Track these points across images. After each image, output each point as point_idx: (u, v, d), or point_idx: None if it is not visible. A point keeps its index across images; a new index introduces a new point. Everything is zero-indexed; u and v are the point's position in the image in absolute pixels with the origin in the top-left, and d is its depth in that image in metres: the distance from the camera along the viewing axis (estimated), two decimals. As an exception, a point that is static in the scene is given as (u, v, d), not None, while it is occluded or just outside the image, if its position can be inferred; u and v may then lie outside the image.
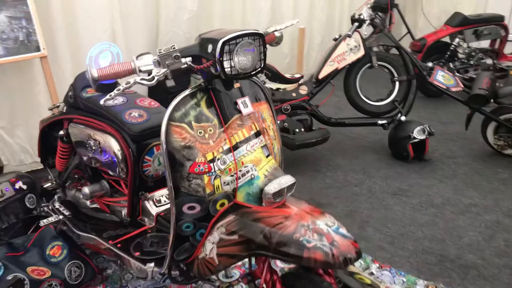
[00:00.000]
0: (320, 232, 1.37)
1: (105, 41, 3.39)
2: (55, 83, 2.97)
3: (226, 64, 1.41)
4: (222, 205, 1.53)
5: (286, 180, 1.49)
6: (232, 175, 1.51)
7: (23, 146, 3.18)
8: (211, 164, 1.49)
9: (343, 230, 1.40)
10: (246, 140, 1.52)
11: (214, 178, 1.50)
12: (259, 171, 1.51)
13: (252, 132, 1.53)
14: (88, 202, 2.23)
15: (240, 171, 1.51)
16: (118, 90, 1.43)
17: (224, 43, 1.39)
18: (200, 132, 1.48)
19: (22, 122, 3.11)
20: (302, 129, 3.30)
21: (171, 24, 3.88)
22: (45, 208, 2.36)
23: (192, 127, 1.48)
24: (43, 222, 2.13)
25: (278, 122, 3.14)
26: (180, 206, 1.52)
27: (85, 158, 2.11)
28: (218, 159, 1.49)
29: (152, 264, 1.73)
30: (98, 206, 2.21)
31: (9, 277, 1.94)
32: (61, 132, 2.20)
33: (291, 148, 3.22)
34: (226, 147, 1.50)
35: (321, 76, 3.36)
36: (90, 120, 2.03)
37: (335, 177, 3.24)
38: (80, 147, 2.11)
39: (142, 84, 1.44)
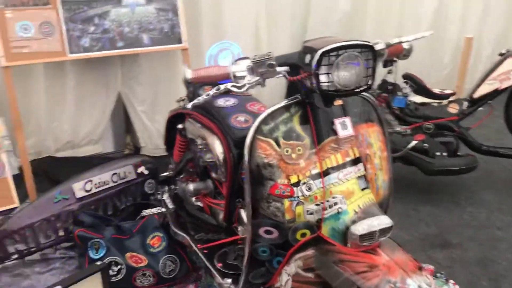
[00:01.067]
0: (408, 295, 1.12)
1: (249, 40, 3.40)
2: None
3: (323, 78, 1.22)
4: (303, 235, 1.35)
5: (380, 222, 1.25)
6: (317, 204, 1.32)
7: (160, 131, 3.35)
8: (295, 188, 1.32)
9: None
10: (339, 167, 1.31)
11: (296, 205, 1.32)
12: (349, 205, 1.29)
13: (348, 159, 1.32)
14: (193, 199, 2.22)
15: (327, 201, 1.31)
16: (208, 95, 1.35)
17: (322, 54, 1.20)
18: (287, 151, 1.32)
19: (162, 109, 3.27)
20: (445, 153, 2.88)
21: (320, 24, 3.73)
22: (158, 197, 2.42)
23: (279, 143, 1.32)
24: (145, 212, 2.18)
25: (416, 142, 2.81)
26: (257, 228, 1.38)
27: (195, 155, 2.09)
28: (303, 184, 1.31)
29: (230, 281, 1.63)
30: (201, 205, 2.18)
31: (108, 260, 2.02)
32: (180, 126, 2.23)
33: (427, 173, 2.84)
34: (315, 171, 1.32)
35: (476, 95, 2.90)
36: (203, 118, 2.00)
37: (475, 214, 2.78)
38: (192, 143, 2.10)
39: (233, 91, 1.33)
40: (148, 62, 3.14)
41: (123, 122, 3.41)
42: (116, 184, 2.44)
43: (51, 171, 2.99)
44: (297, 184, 1.31)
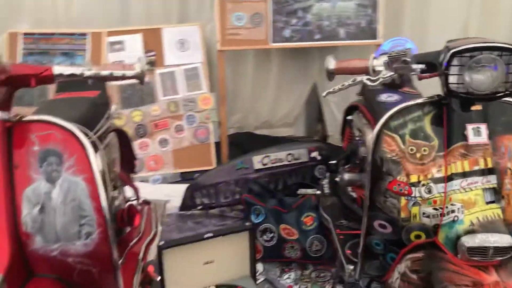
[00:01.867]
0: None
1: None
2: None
3: (452, 79, 1.19)
4: (417, 236, 1.34)
5: (498, 239, 1.17)
6: (436, 209, 1.29)
7: (348, 123, 3.47)
8: (413, 188, 1.31)
9: None
10: (464, 175, 1.26)
11: (413, 205, 1.32)
12: (467, 216, 1.23)
13: (477, 168, 1.25)
14: (349, 189, 2.30)
15: (446, 207, 1.27)
16: (342, 85, 1.43)
17: (453, 54, 1.17)
18: (411, 149, 1.32)
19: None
20: None
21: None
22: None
23: (404, 141, 1.33)
24: (300, 192, 2.35)
25: None
26: (372, 220, 1.42)
27: (356, 147, 2.17)
28: (423, 185, 1.30)
29: (351, 267, 1.69)
30: (355, 196, 2.25)
31: (264, 226, 2.27)
32: (349, 117, 2.32)
33: None
34: (438, 175, 1.29)
35: None
36: (365, 112, 2.06)
37: None
38: (354, 135, 2.18)
39: (367, 84, 1.38)
40: (344, 56, 3.26)
41: (316, 110, 3.62)
42: (289, 163, 2.68)
43: (245, 144, 3.41)
44: (416, 184, 1.31)
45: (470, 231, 1.21)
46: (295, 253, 2.26)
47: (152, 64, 3.29)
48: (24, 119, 1.23)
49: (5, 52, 3.26)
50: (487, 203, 1.24)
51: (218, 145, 3.26)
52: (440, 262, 1.24)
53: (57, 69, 1.24)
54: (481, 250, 1.17)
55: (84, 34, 3.31)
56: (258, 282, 2.23)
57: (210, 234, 1.96)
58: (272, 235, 2.28)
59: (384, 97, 1.95)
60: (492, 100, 1.22)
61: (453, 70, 1.18)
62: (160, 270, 1.89)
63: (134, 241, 1.81)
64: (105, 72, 1.28)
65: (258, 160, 2.66)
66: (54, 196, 1.20)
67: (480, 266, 1.19)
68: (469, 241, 1.18)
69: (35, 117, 1.24)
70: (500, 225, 1.22)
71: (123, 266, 1.49)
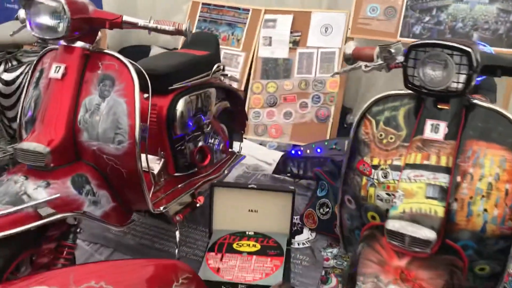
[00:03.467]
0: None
1: None
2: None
3: (409, 72, 1.25)
4: (372, 217, 1.44)
5: (416, 230, 1.22)
6: (388, 194, 1.37)
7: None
8: (373, 170, 1.41)
9: None
10: (414, 167, 1.31)
11: (370, 185, 1.42)
12: (403, 204, 1.29)
13: (427, 163, 1.29)
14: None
15: (393, 194, 1.35)
16: (346, 69, 1.56)
17: (411, 48, 1.23)
18: (381, 135, 1.41)
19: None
20: None
21: None
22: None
23: (378, 126, 1.42)
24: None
25: None
26: (343, 194, 1.54)
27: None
28: (381, 169, 1.39)
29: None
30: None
31: (323, 201, 2.46)
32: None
33: None
34: (397, 162, 1.36)
35: None
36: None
37: None
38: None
39: (363, 70, 1.49)
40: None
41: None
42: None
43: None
44: (376, 167, 1.40)
45: (399, 217, 1.26)
46: (343, 231, 2.39)
47: (295, 43, 3.63)
48: (99, 49, 1.73)
49: (187, 16, 3.99)
50: (428, 197, 1.27)
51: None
52: (373, 241, 1.33)
53: (125, 18, 1.69)
54: (399, 236, 1.23)
55: (247, 10, 3.82)
56: (302, 246, 2.45)
57: (254, 185, 2.26)
58: (328, 210, 2.45)
59: None
60: (445, 98, 1.23)
61: (410, 63, 1.24)
62: (210, 204, 2.28)
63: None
64: (159, 26, 1.68)
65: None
66: (102, 108, 1.68)
67: (401, 252, 1.25)
68: (389, 224, 1.25)
69: (107, 51, 1.73)
70: (430, 220, 1.24)
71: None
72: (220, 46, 3.84)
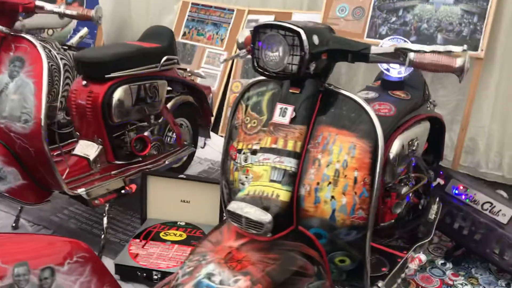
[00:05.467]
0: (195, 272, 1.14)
1: None
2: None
3: (256, 54, 1.25)
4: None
5: (251, 211, 1.21)
6: (247, 177, 1.37)
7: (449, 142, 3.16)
8: (238, 154, 1.41)
9: None
10: (264, 150, 1.30)
11: (235, 169, 1.42)
12: (249, 187, 1.29)
13: (274, 146, 1.28)
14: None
15: (246, 178, 1.35)
16: (230, 57, 1.57)
17: (255, 30, 1.23)
18: (247, 120, 1.41)
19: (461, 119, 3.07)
20: None
21: None
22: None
23: (246, 111, 1.43)
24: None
25: None
26: (222, 177, 1.53)
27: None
28: (243, 154, 1.39)
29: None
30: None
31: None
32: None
33: None
34: (255, 147, 1.36)
35: None
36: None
37: None
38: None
39: (240, 56, 1.49)
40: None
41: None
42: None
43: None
44: (240, 151, 1.40)
45: (241, 199, 1.26)
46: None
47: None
48: (13, 33, 1.81)
49: (177, 16, 4.09)
50: (272, 181, 1.25)
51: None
52: (226, 224, 1.33)
53: (38, 3, 1.77)
54: (237, 218, 1.23)
55: (232, 10, 3.87)
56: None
57: (183, 176, 2.28)
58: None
59: (363, 93, 1.93)
60: (297, 82, 1.22)
61: (256, 45, 1.23)
62: (141, 192, 2.32)
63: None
64: (66, 11, 1.75)
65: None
66: (10, 87, 1.76)
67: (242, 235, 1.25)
68: (230, 205, 1.24)
69: (23, 35, 1.81)
70: (268, 203, 1.22)
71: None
72: (205, 45, 3.93)
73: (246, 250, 1.21)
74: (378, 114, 1.69)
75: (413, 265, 1.74)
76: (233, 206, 1.23)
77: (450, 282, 2.18)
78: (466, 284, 2.17)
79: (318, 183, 1.27)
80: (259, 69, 1.26)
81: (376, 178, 1.25)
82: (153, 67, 2.45)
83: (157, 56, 2.49)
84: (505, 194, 2.34)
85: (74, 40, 2.98)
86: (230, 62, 3.75)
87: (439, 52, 1.19)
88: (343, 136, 1.26)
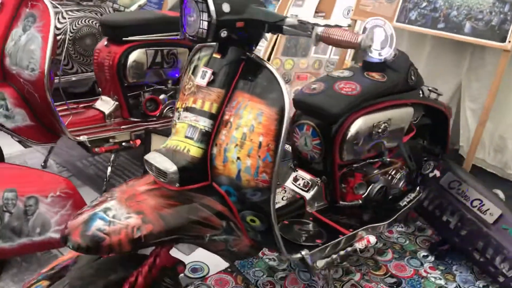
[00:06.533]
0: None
1: None
2: None
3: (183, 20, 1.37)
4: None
5: (160, 161, 1.35)
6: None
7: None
8: (176, 113, 1.53)
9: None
10: (186, 109, 1.42)
11: (173, 126, 1.54)
12: (168, 140, 1.43)
13: (193, 106, 1.40)
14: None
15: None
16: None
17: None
18: (186, 81, 1.53)
19: (492, 114, 2.90)
20: None
21: None
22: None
23: (188, 74, 1.54)
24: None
25: None
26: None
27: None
28: (177, 112, 1.51)
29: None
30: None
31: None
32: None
33: None
34: (186, 105, 1.47)
35: None
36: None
37: None
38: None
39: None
40: (493, 57, 2.79)
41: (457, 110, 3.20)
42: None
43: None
44: (177, 110, 1.53)
45: (158, 151, 1.39)
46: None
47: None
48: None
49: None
50: (186, 137, 1.37)
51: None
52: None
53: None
54: (149, 165, 1.37)
55: (284, -14, 3.93)
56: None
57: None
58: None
59: (338, 71, 1.96)
60: (197, 42, 1.32)
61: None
62: (145, 149, 2.53)
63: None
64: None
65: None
66: (22, 39, 2.03)
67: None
68: (147, 154, 1.39)
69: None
70: (178, 156, 1.35)
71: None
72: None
73: (151, 194, 1.35)
74: (339, 92, 1.74)
75: (359, 245, 1.77)
76: (149, 155, 1.38)
77: (424, 274, 2.15)
78: (440, 279, 2.13)
79: (227, 144, 1.36)
80: (185, 33, 1.37)
81: (280, 145, 1.32)
82: (174, 35, 2.63)
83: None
84: (501, 195, 2.22)
85: (132, 8, 3.25)
86: (274, 38, 3.83)
87: (340, 27, 1.22)
88: (254, 103, 1.34)
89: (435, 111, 2.26)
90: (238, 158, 1.35)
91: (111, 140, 2.42)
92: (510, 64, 2.74)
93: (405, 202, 2.03)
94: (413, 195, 2.09)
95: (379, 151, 1.94)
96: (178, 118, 1.49)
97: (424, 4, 2.76)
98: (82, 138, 2.26)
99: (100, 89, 2.62)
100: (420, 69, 3.18)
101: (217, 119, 1.38)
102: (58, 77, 2.38)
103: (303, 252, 1.57)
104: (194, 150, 1.37)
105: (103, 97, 2.61)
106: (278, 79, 1.33)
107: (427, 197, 2.29)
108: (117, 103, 2.55)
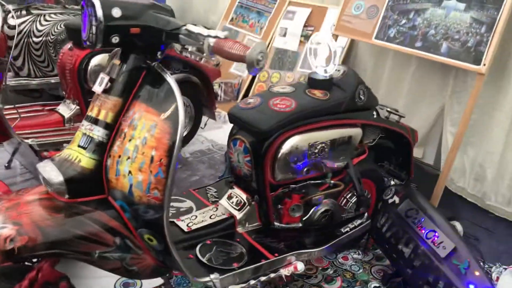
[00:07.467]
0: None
1: None
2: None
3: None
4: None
5: (48, 170, 1.30)
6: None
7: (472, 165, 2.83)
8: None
9: None
10: (86, 117, 1.36)
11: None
12: (65, 149, 1.37)
13: (90, 114, 1.34)
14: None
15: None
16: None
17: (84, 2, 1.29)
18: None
19: (475, 140, 2.75)
20: None
21: None
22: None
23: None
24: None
25: None
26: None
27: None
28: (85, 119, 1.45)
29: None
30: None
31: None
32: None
33: None
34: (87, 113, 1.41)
35: None
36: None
37: None
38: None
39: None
40: (474, 80, 2.65)
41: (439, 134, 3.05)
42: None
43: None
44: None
45: (51, 160, 1.33)
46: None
47: (306, 37, 3.57)
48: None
49: (231, 1, 4.19)
50: (79, 146, 1.31)
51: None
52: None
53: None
54: (40, 174, 1.31)
55: (275, 0, 3.87)
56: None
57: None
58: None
59: (280, 86, 1.89)
60: (90, 48, 1.26)
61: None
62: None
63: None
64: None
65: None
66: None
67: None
68: (39, 163, 1.33)
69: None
70: (67, 166, 1.28)
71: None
72: (246, 32, 3.98)
73: (37, 205, 1.28)
74: (272, 109, 1.65)
75: (284, 271, 1.66)
76: (41, 164, 1.32)
77: (371, 307, 2.02)
78: (385, 312, 1.99)
79: (119, 156, 1.29)
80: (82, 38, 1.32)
81: (173, 160, 1.24)
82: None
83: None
84: (460, 227, 2.07)
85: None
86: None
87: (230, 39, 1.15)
88: (149, 114, 1.27)
89: (397, 134, 2.14)
90: (130, 172, 1.28)
91: (65, 144, 2.39)
92: (489, 89, 2.60)
93: (347, 229, 1.91)
94: (358, 221, 1.97)
95: (321, 172, 1.83)
96: (83, 125, 1.43)
97: (403, 21, 2.65)
98: (31, 141, 2.23)
99: (64, 93, 2.60)
100: (404, 90, 3.11)
101: (114, 130, 1.31)
102: (14, 79, 2.36)
103: (212, 276, 1.48)
104: (85, 160, 1.30)
105: (66, 101, 2.58)
106: (176, 92, 1.26)
107: (385, 223, 2.16)
108: (78, 107, 2.52)
